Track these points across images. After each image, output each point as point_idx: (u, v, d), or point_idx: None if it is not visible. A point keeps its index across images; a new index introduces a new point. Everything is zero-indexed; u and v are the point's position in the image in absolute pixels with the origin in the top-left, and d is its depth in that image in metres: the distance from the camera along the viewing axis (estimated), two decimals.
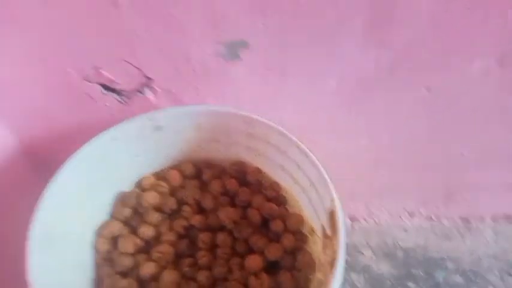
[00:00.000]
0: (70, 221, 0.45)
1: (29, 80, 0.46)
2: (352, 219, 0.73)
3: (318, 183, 0.41)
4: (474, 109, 0.53)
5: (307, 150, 0.41)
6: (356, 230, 0.72)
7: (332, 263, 0.34)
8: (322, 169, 0.39)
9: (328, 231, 0.40)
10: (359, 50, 0.44)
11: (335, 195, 0.37)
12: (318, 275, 0.43)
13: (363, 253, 0.69)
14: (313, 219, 0.46)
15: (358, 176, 0.63)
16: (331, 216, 0.38)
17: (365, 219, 0.72)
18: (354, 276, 0.66)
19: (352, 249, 0.69)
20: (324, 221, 0.41)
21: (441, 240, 0.69)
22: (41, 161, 0.58)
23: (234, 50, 0.42)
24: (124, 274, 0.47)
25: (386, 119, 0.53)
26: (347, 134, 0.56)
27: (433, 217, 0.72)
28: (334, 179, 0.39)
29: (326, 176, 0.39)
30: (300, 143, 0.42)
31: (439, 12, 0.40)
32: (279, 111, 0.51)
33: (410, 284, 0.64)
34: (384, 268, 0.67)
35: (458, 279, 0.66)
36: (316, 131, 0.53)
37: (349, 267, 0.67)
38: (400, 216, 0.71)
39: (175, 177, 0.53)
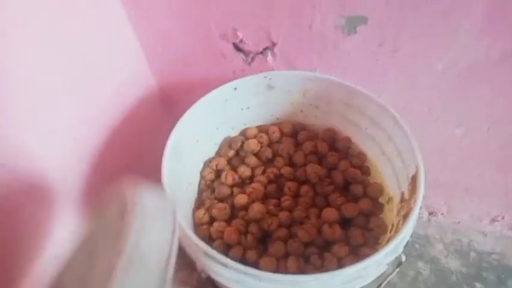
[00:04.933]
0: (189, 150, 0.55)
1: (179, 31, 0.58)
2: (431, 212, 0.73)
3: (406, 152, 0.45)
4: None
5: (402, 122, 0.46)
6: (432, 223, 0.73)
7: (406, 215, 0.39)
8: (412, 139, 0.43)
9: (407, 195, 0.44)
10: (473, 36, 0.45)
11: (420, 162, 0.41)
12: (389, 235, 0.47)
13: (434, 246, 0.69)
14: (394, 188, 0.50)
15: (445, 167, 0.62)
16: (413, 180, 0.42)
17: (443, 215, 0.72)
18: (420, 264, 0.67)
19: (424, 240, 0.70)
20: (405, 187, 0.45)
21: None
22: (173, 102, 0.71)
23: (353, 24, 0.47)
24: (221, 200, 0.58)
25: (489, 110, 0.52)
26: (444, 120, 0.56)
27: None
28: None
29: (415, 146, 0.43)
30: (396, 114, 0.46)
31: None
32: (381, 86, 0.54)
33: (478, 284, 0.63)
34: (452, 264, 0.67)
35: None
36: (413, 111, 0.55)
37: (418, 255, 0.68)
38: (481, 219, 0.69)
39: (275, 133, 0.61)
